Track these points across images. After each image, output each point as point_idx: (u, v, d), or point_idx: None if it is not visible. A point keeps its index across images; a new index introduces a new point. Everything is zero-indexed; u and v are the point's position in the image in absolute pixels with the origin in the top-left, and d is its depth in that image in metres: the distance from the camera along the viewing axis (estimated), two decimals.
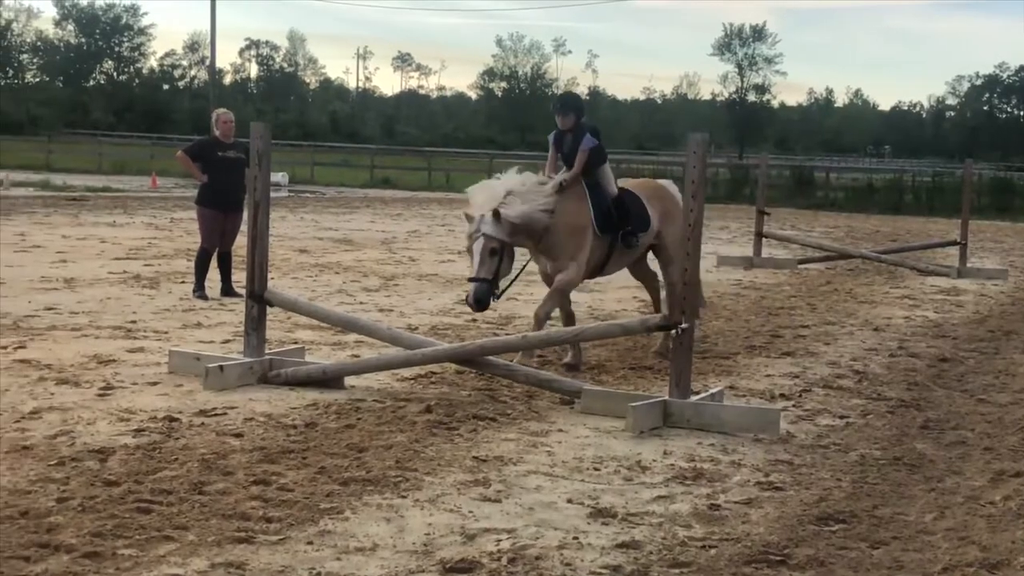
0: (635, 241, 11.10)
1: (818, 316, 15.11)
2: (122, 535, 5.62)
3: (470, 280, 10.13)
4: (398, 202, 39.41)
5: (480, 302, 10.04)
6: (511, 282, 10.69)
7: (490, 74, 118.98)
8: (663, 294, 11.80)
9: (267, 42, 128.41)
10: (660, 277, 12.11)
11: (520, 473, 7.11)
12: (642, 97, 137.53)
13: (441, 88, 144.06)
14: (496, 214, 10.00)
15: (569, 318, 11.03)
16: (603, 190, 10.99)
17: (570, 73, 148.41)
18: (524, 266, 10.92)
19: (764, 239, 22.53)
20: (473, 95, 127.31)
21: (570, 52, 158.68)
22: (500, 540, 5.87)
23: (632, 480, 7.09)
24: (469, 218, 10.19)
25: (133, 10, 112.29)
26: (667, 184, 12.26)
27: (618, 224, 10.96)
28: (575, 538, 5.95)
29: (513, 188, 10.36)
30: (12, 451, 7.03)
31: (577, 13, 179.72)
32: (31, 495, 6.19)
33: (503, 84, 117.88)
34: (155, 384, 9.20)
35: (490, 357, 9.34)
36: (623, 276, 18.96)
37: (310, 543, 5.69)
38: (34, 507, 5.97)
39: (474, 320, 13.24)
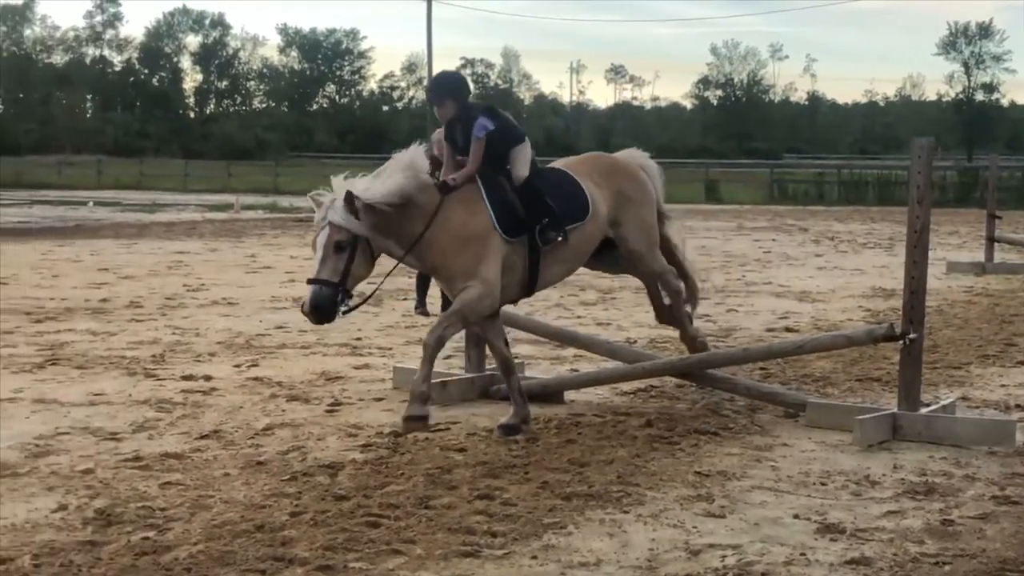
0: (554, 236, 8.36)
1: None
2: (353, 548, 5.75)
3: (308, 282, 7.91)
4: None
5: (318, 310, 7.74)
6: (373, 292, 8.89)
7: (705, 83, 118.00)
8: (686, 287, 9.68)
9: (482, 60, 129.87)
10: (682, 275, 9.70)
11: (744, 488, 7.01)
12: (864, 100, 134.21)
13: (655, 99, 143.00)
14: (349, 197, 7.79)
15: (506, 363, 8.60)
16: (501, 181, 8.44)
17: (788, 78, 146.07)
18: (390, 271, 8.62)
19: (996, 244, 21.76)
20: (688, 104, 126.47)
21: (787, 57, 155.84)
22: (725, 556, 5.79)
23: (861, 495, 6.92)
24: (317, 203, 8.02)
25: (353, 34, 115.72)
26: (628, 155, 9.55)
27: (528, 218, 8.37)
28: (802, 554, 5.83)
29: (385, 168, 8.17)
30: (247, 466, 7.28)
31: (793, 18, 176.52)
32: (266, 509, 6.39)
33: (718, 92, 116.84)
34: (380, 400, 9.42)
35: (711, 370, 9.25)
36: (846, 283, 18.62)
37: (534, 557, 5.72)
38: (269, 521, 6.15)
39: None
